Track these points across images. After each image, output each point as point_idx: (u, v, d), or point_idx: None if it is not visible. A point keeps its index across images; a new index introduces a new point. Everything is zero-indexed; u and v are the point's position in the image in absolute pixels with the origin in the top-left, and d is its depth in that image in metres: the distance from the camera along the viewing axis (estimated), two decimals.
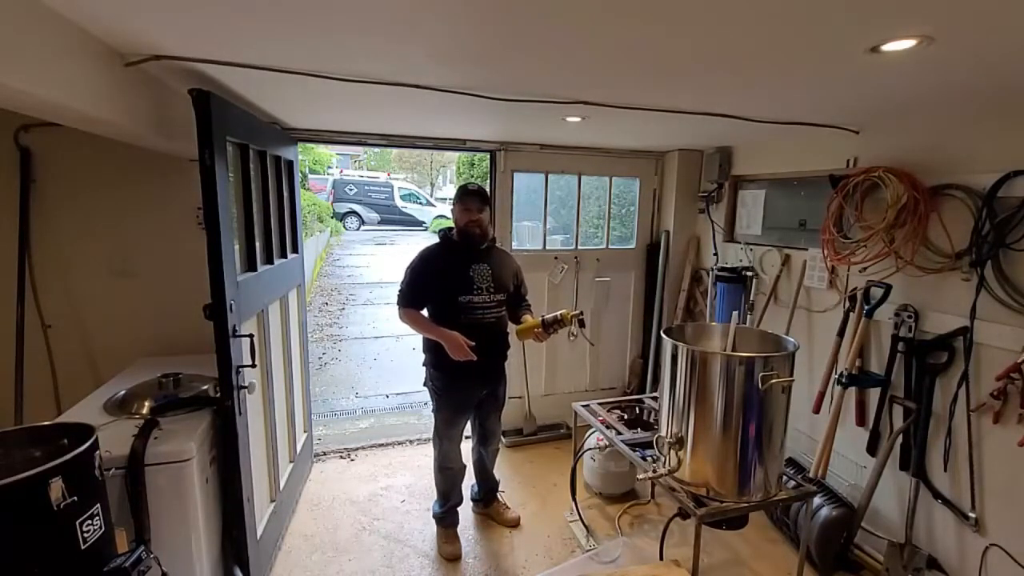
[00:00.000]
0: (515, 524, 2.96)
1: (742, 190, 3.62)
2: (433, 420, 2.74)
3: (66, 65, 1.46)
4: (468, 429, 2.87)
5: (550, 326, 2.55)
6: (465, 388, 2.65)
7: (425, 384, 2.73)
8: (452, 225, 2.62)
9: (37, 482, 1.26)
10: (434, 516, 2.86)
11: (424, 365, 2.69)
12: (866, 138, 2.68)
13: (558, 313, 2.56)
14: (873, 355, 2.66)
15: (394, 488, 3.32)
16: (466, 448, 2.88)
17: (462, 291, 2.50)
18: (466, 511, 3.00)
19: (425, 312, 2.59)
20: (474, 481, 3.04)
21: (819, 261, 2.88)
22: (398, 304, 2.59)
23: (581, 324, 2.56)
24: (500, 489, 3.09)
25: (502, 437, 3.36)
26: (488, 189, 3.77)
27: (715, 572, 2.64)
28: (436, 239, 2.69)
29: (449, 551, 2.72)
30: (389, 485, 3.35)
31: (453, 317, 2.50)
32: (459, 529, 2.86)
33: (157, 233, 2.88)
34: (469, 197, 2.51)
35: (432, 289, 2.55)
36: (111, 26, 1.49)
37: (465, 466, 2.85)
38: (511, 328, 2.72)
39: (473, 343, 2.46)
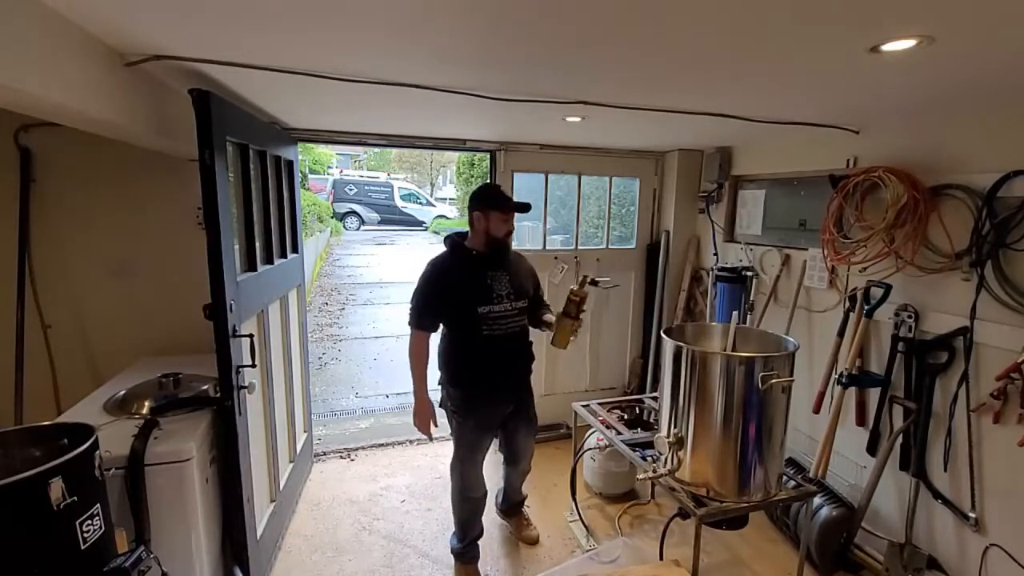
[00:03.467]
0: (533, 542, 2.81)
1: (742, 190, 3.62)
2: (453, 445, 2.50)
3: (66, 65, 1.46)
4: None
5: (576, 311, 2.37)
6: (488, 404, 2.43)
7: (441, 405, 2.50)
8: (456, 229, 2.45)
9: (37, 482, 1.26)
10: (452, 551, 2.62)
11: (440, 384, 2.46)
12: (866, 138, 2.68)
13: (570, 294, 2.37)
14: (873, 355, 2.66)
15: (394, 488, 3.32)
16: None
17: (481, 302, 2.28)
18: (489, 514, 2.91)
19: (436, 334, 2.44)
20: (501, 487, 2.90)
21: (819, 261, 2.88)
22: (410, 324, 2.36)
23: (594, 283, 2.41)
24: (527, 504, 2.97)
25: None
26: None
27: (715, 572, 2.64)
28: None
29: None
30: (389, 485, 3.35)
31: (473, 331, 2.30)
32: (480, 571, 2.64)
33: (157, 233, 2.88)
34: (509, 205, 2.31)
35: (447, 303, 2.33)
36: (111, 26, 1.49)
37: (487, 492, 2.61)
38: (541, 338, 2.55)
39: (433, 428, 2.45)
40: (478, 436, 2.44)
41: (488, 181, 3.78)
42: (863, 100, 2.12)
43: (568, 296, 2.39)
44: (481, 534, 2.64)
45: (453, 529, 2.67)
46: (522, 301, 2.41)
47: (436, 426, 2.49)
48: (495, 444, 2.68)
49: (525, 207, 2.36)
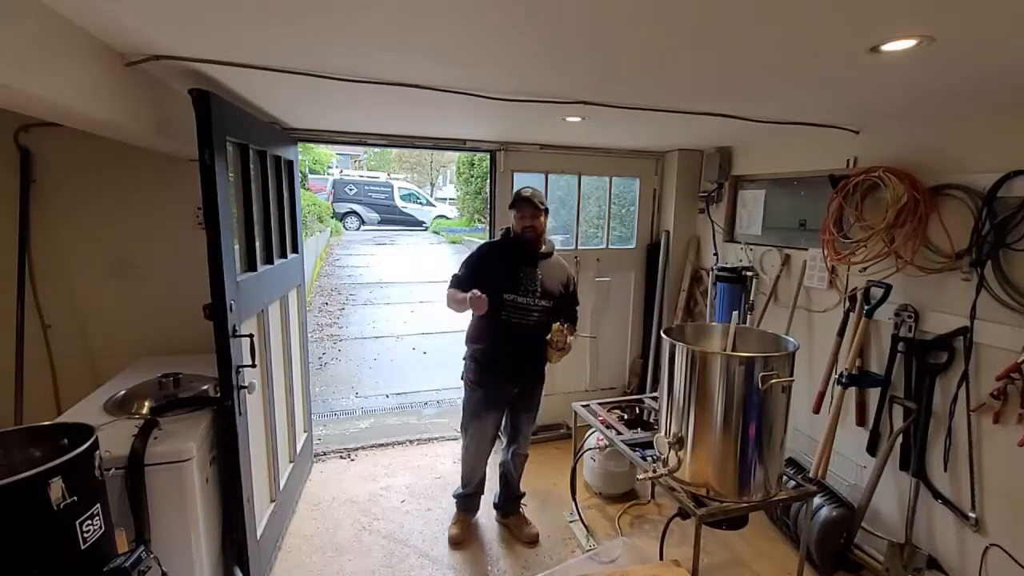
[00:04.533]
0: (533, 541, 2.82)
1: (742, 190, 3.62)
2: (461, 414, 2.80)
3: (66, 65, 1.46)
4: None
5: (557, 346, 2.61)
6: (496, 383, 2.67)
7: (461, 378, 2.78)
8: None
9: (37, 482, 1.26)
10: (453, 496, 2.95)
11: (464, 359, 2.77)
12: (866, 138, 2.68)
13: (552, 333, 2.61)
14: (873, 355, 2.66)
15: (394, 488, 3.32)
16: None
17: (508, 289, 2.54)
18: (489, 515, 3.02)
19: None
20: (498, 491, 2.99)
21: (819, 261, 2.88)
22: (449, 285, 2.68)
23: (570, 332, 2.62)
24: (524, 502, 3.01)
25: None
26: (488, 189, 3.79)
27: (715, 572, 2.64)
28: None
29: (452, 534, 2.81)
30: (389, 485, 3.35)
31: (495, 312, 2.54)
32: (475, 523, 2.94)
33: (157, 233, 2.88)
34: (522, 203, 2.55)
35: (482, 281, 2.58)
36: (111, 26, 1.49)
37: (485, 461, 2.85)
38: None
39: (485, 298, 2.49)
40: (483, 407, 2.70)
41: (490, 182, 3.78)
42: (863, 100, 2.12)
43: (550, 338, 2.61)
44: (480, 491, 2.94)
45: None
46: (547, 300, 2.62)
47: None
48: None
49: (535, 205, 2.54)
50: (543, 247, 2.65)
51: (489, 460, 2.89)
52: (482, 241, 2.83)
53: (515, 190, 2.67)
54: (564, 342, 2.59)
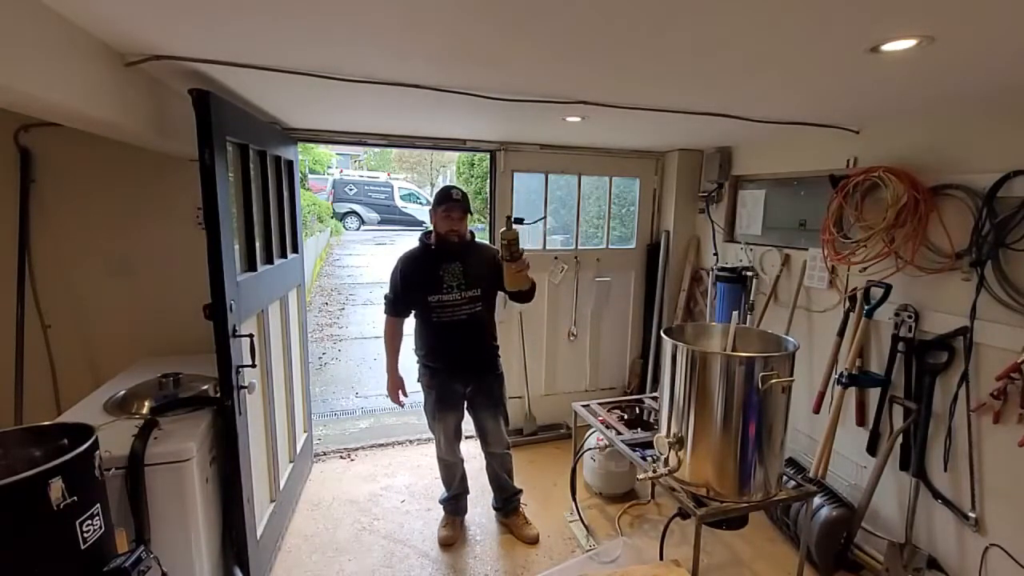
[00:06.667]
0: (533, 541, 2.82)
1: (742, 190, 3.62)
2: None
3: (66, 65, 1.46)
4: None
5: (509, 255, 2.38)
6: (446, 383, 2.69)
7: (418, 380, 2.80)
8: (431, 228, 2.64)
9: (37, 482, 1.26)
10: (440, 501, 2.95)
11: (416, 363, 2.77)
12: (866, 138, 2.67)
13: (500, 238, 2.40)
14: (873, 355, 2.66)
15: (394, 488, 3.32)
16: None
17: (432, 291, 2.54)
18: (489, 515, 3.03)
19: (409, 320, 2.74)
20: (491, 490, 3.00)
21: (819, 261, 2.88)
22: (385, 312, 2.74)
23: (519, 221, 2.46)
24: (523, 501, 3.00)
25: None
26: (488, 189, 3.79)
27: (715, 572, 2.64)
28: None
29: (442, 535, 2.82)
30: (389, 485, 3.35)
31: (427, 316, 2.59)
32: (466, 525, 2.95)
33: (157, 233, 2.88)
34: (454, 206, 2.51)
35: (407, 292, 2.62)
36: (111, 26, 1.49)
37: (462, 460, 2.88)
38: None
39: (406, 397, 2.84)
40: (438, 408, 2.72)
41: (490, 182, 3.76)
42: (863, 100, 2.12)
43: (500, 254, 2.44)
44: (464, 492, 2.95)
45: None
46: (474, 290, 2.58)
47: (406, 396, 2.88)
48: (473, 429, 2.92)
49: (463, 206, 2.51)
50: (461, 242, 2.57)
51: (469, 461, 2.94)
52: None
53: (441, 187, 2.61)
54: (512, 251, 2.35)
